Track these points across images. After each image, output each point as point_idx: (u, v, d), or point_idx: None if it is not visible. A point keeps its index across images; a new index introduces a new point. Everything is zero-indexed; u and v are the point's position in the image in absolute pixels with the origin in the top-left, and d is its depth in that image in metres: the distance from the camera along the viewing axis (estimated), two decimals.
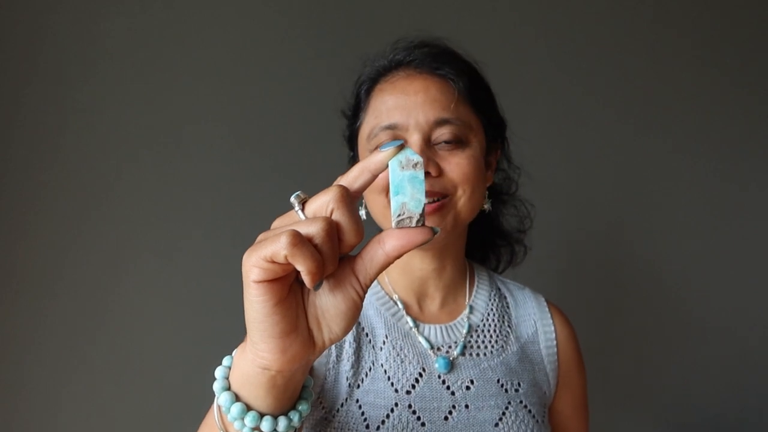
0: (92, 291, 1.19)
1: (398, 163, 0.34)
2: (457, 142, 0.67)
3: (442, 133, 0.66)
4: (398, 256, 0.35)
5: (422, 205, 0.34)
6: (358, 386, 0.66)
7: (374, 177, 0.35)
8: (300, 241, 0.31)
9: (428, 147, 0.66)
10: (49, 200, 1.19)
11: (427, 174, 0.64)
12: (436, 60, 0.70)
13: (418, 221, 0.34)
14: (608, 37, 1.42)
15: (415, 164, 0.34)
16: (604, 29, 1.42)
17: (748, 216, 1.44)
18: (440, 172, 0.66)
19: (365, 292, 0.36)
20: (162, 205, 1.23)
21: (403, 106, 0.66)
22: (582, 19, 1.41)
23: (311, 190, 0.37)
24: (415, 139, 0.65)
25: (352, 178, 0.35)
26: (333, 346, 0.67)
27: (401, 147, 0.34)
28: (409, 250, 0.34)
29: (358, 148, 0.73)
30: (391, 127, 0.67)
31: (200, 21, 1.26)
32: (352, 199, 0.35)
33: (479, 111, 0.71)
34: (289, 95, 1.28)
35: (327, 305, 0.36)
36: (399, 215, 0.34)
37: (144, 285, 1.21)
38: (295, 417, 0.40)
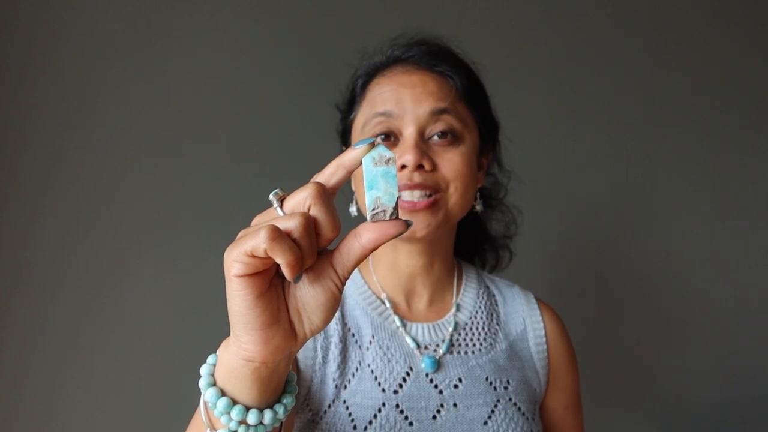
0: (93, 292, 1.23)
1: (371, 160, 0.37)
2: (452, 137, 0.70)
3: (437, 125, 0.69)
4: (374, 248, 0.38)
5: (395, 199, 0.37)
6: (345, 387, 0.68)
7: (349, 173, 0.39)
8: (279, 235, 0.35)
9: (423, 141, 0.69)
10: (49, 202, 1.22)
11: (420, 167, 0.67)
12: (435, 57, 0.73)
13: (392, 214, 0.38)
14: (608, 36, 1.45)
15: (388, 160, 0.37)
16: (604, 28, 1.45)
17: (747, 216, 1.48)
18: (434, 167, 0.69)
19: (344, 284, 0.40)
20: (163, 206, 1.26)
21: (400, 97, 0.69)
22: (581, 19, 1.45)
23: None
24: (410, 131, 0.68)
25: (328, 174, 0.39)
26: (319, 348, 0.70)
27: (374, 144, 0.38)
28: (384, 242, 0.38)
29: (351, 140, 0.76)
30: (385, 114, 0.69)
31: (201, 21, 1.29)
32: (328, 195, 0.38)
33: (475, 109, 0.74)
34: (290, 98, 1.31)
35: (307, 297, 0.40)
36: (374, 209, 0.38)
37: (144, 285, 1.25)
38: (280, 410, 0.43)
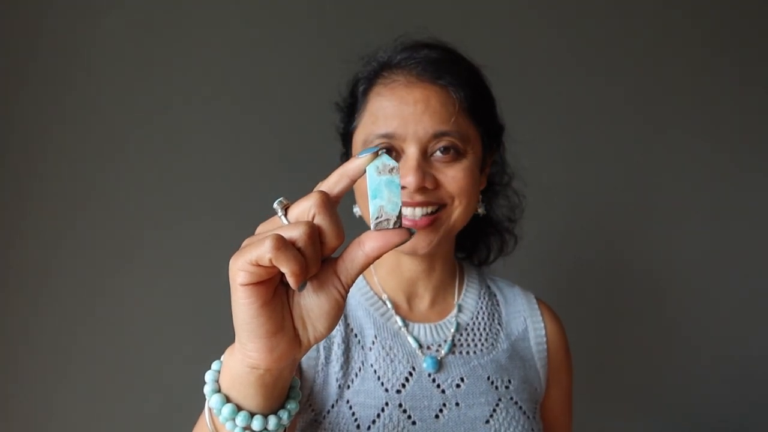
0: (92, 291, 1.22)
1: (375, 169, 0.38)
2: (455, 152, 0.69)
3: (440, 143, 0.68)
4: (377, 257, 0.38)
5: (398, 208, 0.38)
6: (348, 387, 0.69)
7: (353, 182, 0.39)
8: (283, 244, 0.35)
9: (425, 160, 0.68)
10: (48, 200, 1.22)
11: (423, 189, 0.67)
12: (438, 68, 0.70)
13: (395, 223, 0.38)
14: (608, 35, 1.45)
15: (391, 169, 0.38)
16: (605, 28, 1.45)
17: (747, 216, 1.48)
18: (436, 185, 0.68)
19: (347, 292, 0.40)
20: (162, 204, 1.26)
21: (402, 115, 0.68)
22: (582, 18, 1.44)
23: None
24: (412, 151, 0.67)
25: (332, 183, 0.39)
26: (322, 348, 0.70)
27: (377, 153, 0.38)
28: (387, 251, 0.38)
29: (353, 153, 0.75)
30: (387, 136, 0.68)
31: (201, 21, 1.29)
32: (332, 203, 0.38)
33: (478, 122, 0.72)
34: (291, 96, 1.31)
35: (311, 305, 0.40)
36: (377, 218, 0.38)
37: (144, 285, 1.25)
38: (284, 415, 0.44)
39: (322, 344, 0.71)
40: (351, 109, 0.76)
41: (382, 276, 0.78)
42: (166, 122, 1.27)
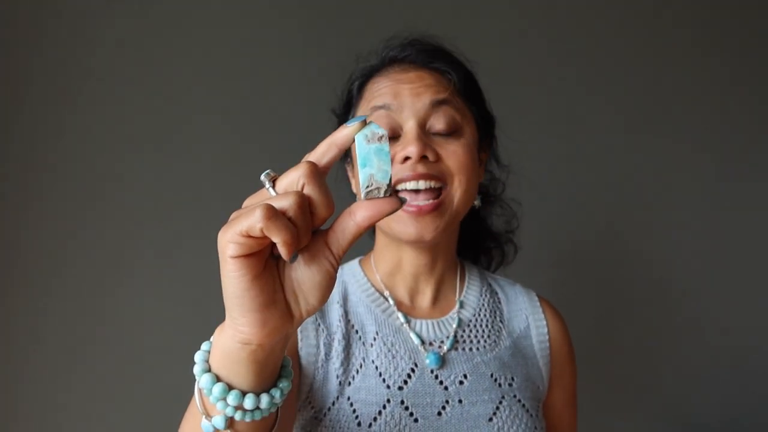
0: (92, 290, 1.23)
1: (364, 137, 0.37)
2: (452, 131, 0.70)
3: (437, 120, 0.69)
4: (369, 226, 0.38)
5: (389, 176, 0.37)
6: (349, 383, 0.68)
7: (341, 151, 0.38)
8: (274, 214, 0.34)
9: (424, 134, 0.69)
10: (49, 199, 1.22)
11: (424, 158, 0.67)
12: (430, 55, 0.73)
13: (385, 192, 0.38)
14: (607, 35, 1.46)
15: (380, 137, 0.37)
16: (604, 27, 1.46)
17: (747, 215, 1.47)
18: (437, 158, 0.68)
19: (338, 263, 0.39)
20: (163, 203, 1.26)
21: (398, 91, 0.70)
22: (582, 18, 1.45)
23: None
24: (410, 124, 0.68)
25: (320, 153, 0.39)
26: (322, 345, 0.69)
27: (365, 122, 0.38)
28: (378, 220, 0.37)
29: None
30: (384, 107, 0.69)
31: (202, 21, 1.31)
32: (321, 174, 0.38)
33: (472, 104, 0.74)
34: (291, 95, 1.32)
35: (303, 277, 0.39)
36: (367, 187, 0.37)
37: (144, 283, 1.25)
38: (276, 394, 0.42)
39: (322, 340, 0.70)
40: (347, 107, 0.78)
41: (384, 273, 0.77)
42: (166, 122, 1.28)
